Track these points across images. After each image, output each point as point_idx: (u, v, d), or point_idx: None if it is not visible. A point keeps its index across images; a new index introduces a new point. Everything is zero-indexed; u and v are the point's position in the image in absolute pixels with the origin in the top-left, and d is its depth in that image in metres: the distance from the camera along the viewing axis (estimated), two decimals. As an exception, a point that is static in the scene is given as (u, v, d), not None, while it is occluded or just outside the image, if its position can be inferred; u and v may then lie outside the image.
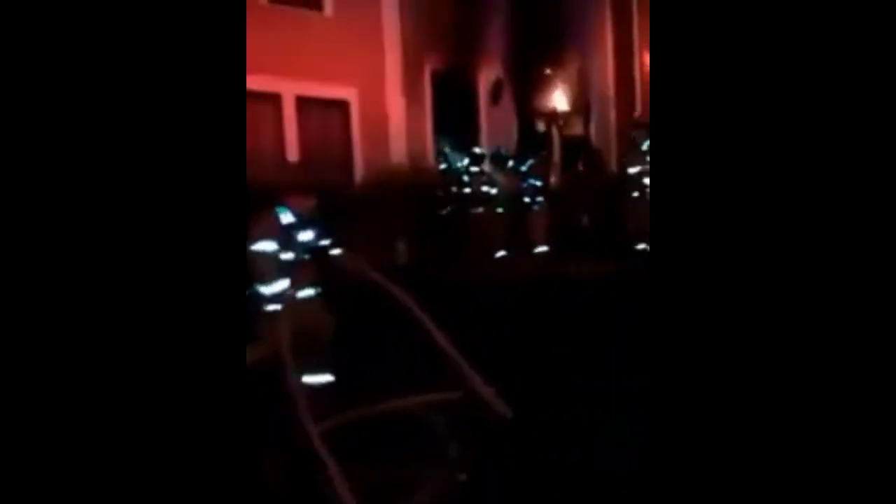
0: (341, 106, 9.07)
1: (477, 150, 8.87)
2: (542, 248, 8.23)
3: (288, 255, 3.74)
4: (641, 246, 7.59)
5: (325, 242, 4.00)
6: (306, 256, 3.90)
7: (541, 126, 10.56)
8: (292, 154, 8.39)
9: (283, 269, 3.70)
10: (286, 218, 3.81)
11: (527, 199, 8.24)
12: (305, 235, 3.90)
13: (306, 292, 3.82)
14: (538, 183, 8.33)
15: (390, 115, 9.36)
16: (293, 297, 3.74)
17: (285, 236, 3.81)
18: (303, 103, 8.63)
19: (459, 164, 8.69)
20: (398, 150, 9.37)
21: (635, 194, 7.49)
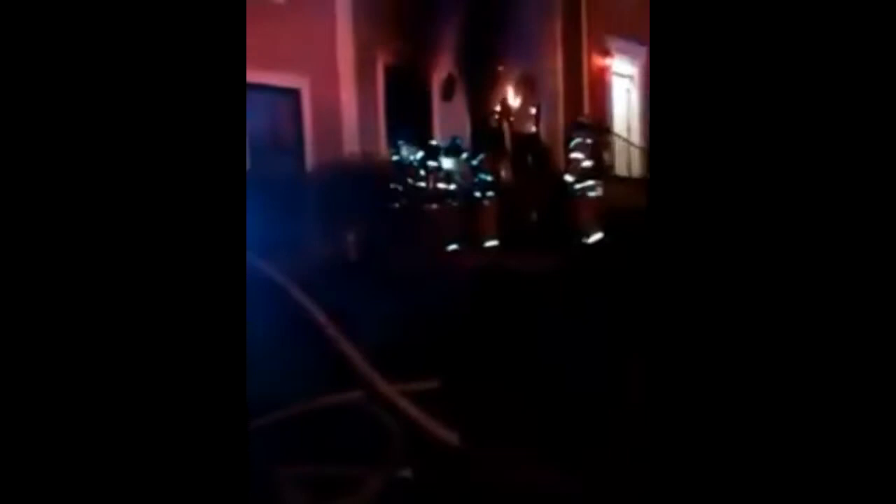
0: (292, 94, 8.96)
1: (433, 142, 8.91)
2: (492, 242, 8.36)
3: None
4: (592, 239, 7.86)
5: None
6: None
7: (492, 122, 10.68)
8: (241, 142, 8.21)
9: None
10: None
11: (477, 194, 8.35)
12: None
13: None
14: (489, 178, 8.44)
15: (342, 106, 9.29)
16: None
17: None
18: (252, 89, 8.46)
19: (413, 157, 8.71)
20: (350, 141, 9.31)
21: (576, 188, 7.80)
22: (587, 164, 8.00)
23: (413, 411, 3.05)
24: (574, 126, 8.69)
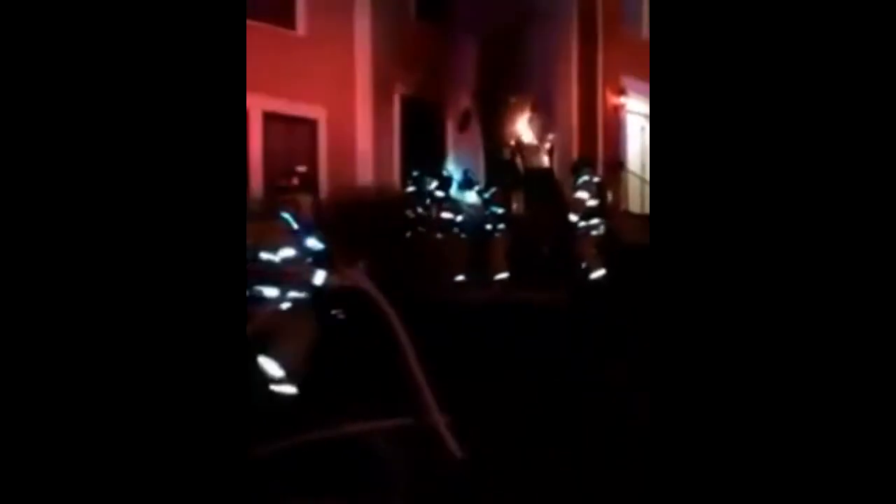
0: (309, 124, 9.11)
1: (446, 173, 8.98)
2: (502, 275, 8.34)
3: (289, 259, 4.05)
4: (595, 275, 7.89)
5: (322, 248, 4.27)
6: (308, 260, 4.16)
7: (506, 156, 10.76)
8: (255, 169, 8.33)
9: (281, 273, 4.00)
10: (291, 224, 4.13)
11: (489, 226, 8.36)
12: (309, 242, 4.20)
13: (298, 297, 4.05)
14: (500, 210, 8.47)
15: (358, 137, 9.42)
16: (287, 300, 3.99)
17: (290, 241, 4.16)
18: (270, 119, 8.63)
19: (428, 188, 8.77)
20: (364, 171, 9.42)
21: (581, 226, 7.88)
22: (592, 203, 8.09)
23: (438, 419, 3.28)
24: (579, 164, 8.81)
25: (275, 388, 3.88)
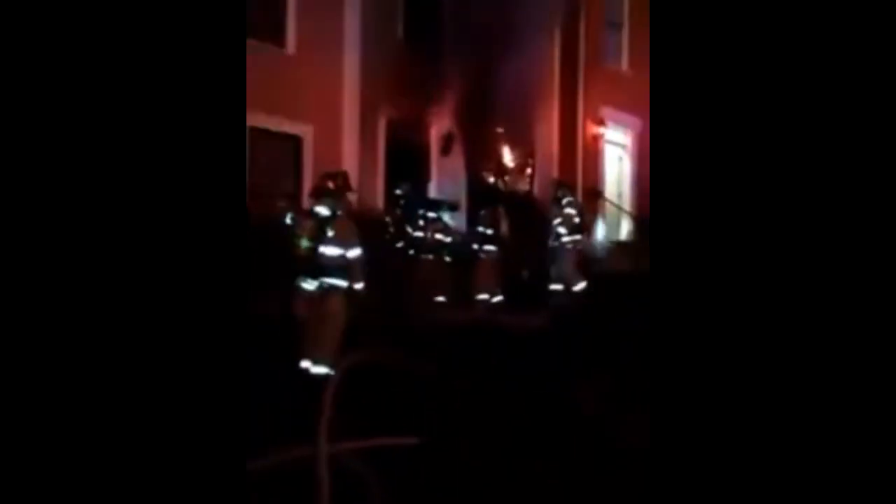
0: (295, 141, 9.12)
1: (434, 195, 9.07)
2: (484, 297, 8.40)
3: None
4: (577, 288, 8.14)
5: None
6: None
7: (488, 179, 10.90)
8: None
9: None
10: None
11: (475, 246, 8.44)
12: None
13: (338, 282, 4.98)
14: (488, 231, 8.56)
15: (344, 157, 9.46)
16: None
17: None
18: (256, 134, 8.62)
19: (410, 210, 8.81)
20: (349, 189, 9.43)
21: (566, 240, 8.18)
22: (577, 220, 8.48)
23: None
24: (559, 185, 9.25)
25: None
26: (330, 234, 5.09)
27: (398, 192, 8.91)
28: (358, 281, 5.18)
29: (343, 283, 5.10)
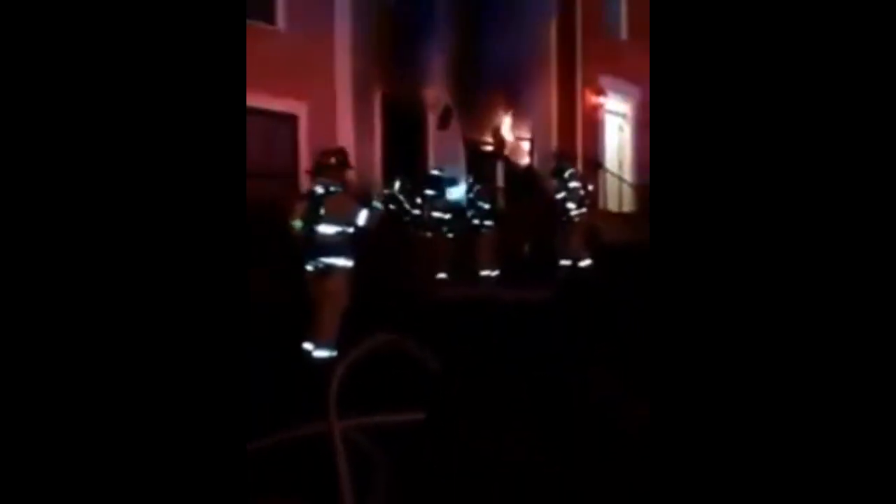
0: (289, 120, 8.97)
1: (433, 171, 8.96)
2: (486, 272, 8.34)
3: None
4: (583, 263, 8.06)
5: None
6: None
7: (487, 153, 10.77)
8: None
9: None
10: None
11: (475, 222, 8.36)
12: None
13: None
14: (486, 206, 8.47)
15: (339, 134, 9.31)
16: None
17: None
18: (249, 114, 8.47)
19: (409, 185, 8.70)
20: (345, 168, 9.31)
21: (574, 213, 8.08)
22: (582, 192, 8.34)
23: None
24: (560, 157, 9.08)
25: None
26: (323, 211, 5.01)
27: (397, 184, 8.74)
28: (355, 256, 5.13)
29: (343, 262, 5.02)
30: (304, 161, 9.06)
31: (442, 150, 10.47)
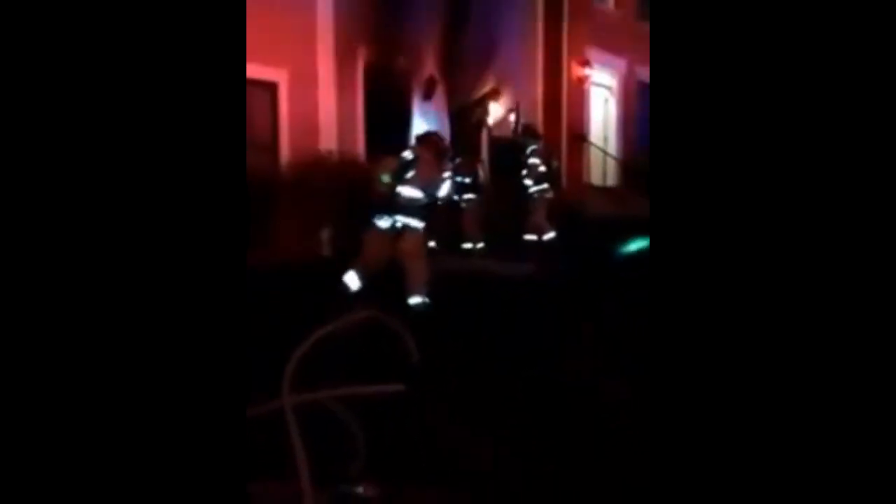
0: (269, 87, 8.75)
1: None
2: (468, 245, 8.30)
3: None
4: (546, 237, 8.16)
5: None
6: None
7: (471, 125, 10.65)
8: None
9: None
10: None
11: (455, 197, 8.27)
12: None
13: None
14: (467, 180, 8.39)
15: (321, 103, 9.12)
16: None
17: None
18: (229, 81, 8.24)
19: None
20: (328, 138, 9.15)
21: (534, 190, 8.16)
22: (542, 169, 8.42)
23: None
24: (525, 132, 9.09)
25: None
26: (411, 175, 5.44)
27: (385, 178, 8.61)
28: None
29: (417, 223, 5.48)
30: (285, 130, 8.88)
31: (426, 122, 10.32)
